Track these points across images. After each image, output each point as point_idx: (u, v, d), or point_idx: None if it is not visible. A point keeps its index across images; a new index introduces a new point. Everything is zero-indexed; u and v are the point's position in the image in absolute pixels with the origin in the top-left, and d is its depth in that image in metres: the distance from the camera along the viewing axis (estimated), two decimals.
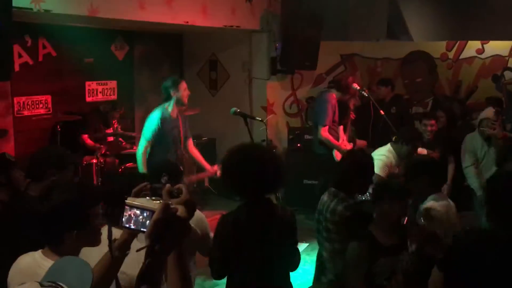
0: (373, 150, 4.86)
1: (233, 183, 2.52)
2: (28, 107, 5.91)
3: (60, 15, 4.54)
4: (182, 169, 3.23)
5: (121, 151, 6.24)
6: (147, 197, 1.42)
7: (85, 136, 5.93)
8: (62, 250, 1.90)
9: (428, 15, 9.00)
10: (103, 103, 6.52)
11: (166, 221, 1.24)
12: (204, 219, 2.85)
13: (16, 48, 5.67)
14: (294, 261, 2.73)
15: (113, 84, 6.86)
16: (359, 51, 7.51)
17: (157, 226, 1.23)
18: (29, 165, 2.88)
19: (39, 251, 1.96)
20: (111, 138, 6.21)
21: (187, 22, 5.64)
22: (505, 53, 7.18)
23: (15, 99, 5.77)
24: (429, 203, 3.29)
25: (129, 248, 1.74)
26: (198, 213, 2.65)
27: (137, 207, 1.34)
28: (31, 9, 4.20)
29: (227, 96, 7.26)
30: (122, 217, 1.35)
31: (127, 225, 1.34)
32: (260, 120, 4.62)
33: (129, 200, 1.35)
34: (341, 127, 5.78)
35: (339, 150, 5.42)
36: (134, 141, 6.81)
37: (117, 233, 1.69)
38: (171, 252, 1.29)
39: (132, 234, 1.69)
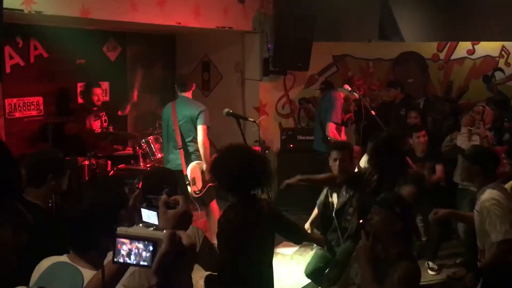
0: (364, 150, 4.90)
1: (221, 180, 2.81)
2: (20, 108, 5.88)
3: (52, 16, 4.53)
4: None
5: (113, 153, 6.22)
6: (140, 224, 1.31)
7: (68, 127, 5.82)
8: (89, 256, 1.83)
9: (419, 16, 9.06)
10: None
11: (174, 252, 1.12)
12: (199, 232, 2.72)
13: (7, 50, 5.64)
14: (296, 238, 3.16)
15: (105, 85, 6.84)
16: (351, 52, 7.54)
17: (165, 259, 1.11)
18: (27, 170, 2.81)
19: (65, 256, 1.89)
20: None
21: (180, 23, 5.64)
22: (496, 53, 7.25)
23: (6, 101, 5.74)
24: (491, 192, 3.30)
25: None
26: (192, 227, 2.66)
27: (135, 238, 1.15)
28: (22, 10, 4.18)
29: (220, 97, 7.26)
30: (115, 252, 1.16)
31: (122, 260, 1.15)
32: (253, 121, 4.63)
33: (120, 231, 1.18)
34: (344, 128, 5.83)
35: None
36: (127, 143, 6.81)
37: None
38: (180, 285, 1.22)
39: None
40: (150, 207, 1.52)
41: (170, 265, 1.11)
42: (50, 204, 5.34)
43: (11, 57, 5.71)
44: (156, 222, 1.50)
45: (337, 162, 3.86)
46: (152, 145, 6.04)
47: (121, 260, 1.15)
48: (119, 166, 5.91)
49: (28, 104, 5.98)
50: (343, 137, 5.68)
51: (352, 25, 8.00)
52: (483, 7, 8.59)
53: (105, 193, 1.96)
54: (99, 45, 6.73)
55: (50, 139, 5.41)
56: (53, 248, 2.07)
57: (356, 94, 5.87)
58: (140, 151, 6.03)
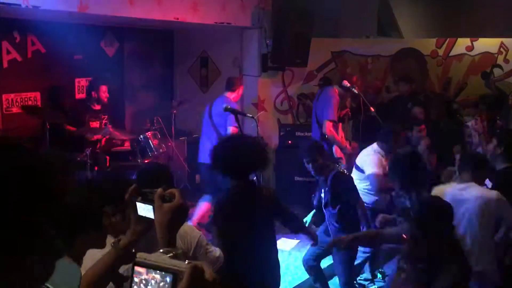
0: (365, 147, 4.90)
1: (221, 165, 2.97)
2: (17, 104, 5.86)
3: (49, 11, 4.50)
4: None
5: (112, 148, 6.20)
6: (160, 251, 1.24)
7: (68, 126, 5.81)
8: (71, 253, 1.79)
9: (418, 12, 9.05)
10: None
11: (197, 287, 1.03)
12: (194, 233, 2.62)
13: (5, 45, 5.62)
14: (293, 225, 3.25)
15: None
16: (349, 48, 7.53)
17: None
18: None
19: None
20: (98, 136, 6.13)
21: (177, 18, 5.61)
22: (494, 50, 7.23)
23: (4, 96, 5.72)
24: None
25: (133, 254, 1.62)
26: (190, 227, 2.68)
27: (154, 267, 1.06)
28: (20, 5, 4.15)
29: (218, 92, 7.18)
30: (131, 280, 1.09)
31: None
32: (251, 117, 4.63)
33: (140, 258, 1.10)
34: (340, 124, 5.82)
35: (340, 147, 5.45)
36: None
37: None
38: None
39: (139, 234, 1.57)
40: (145, 200, 1.48)
41: None
42: None
43: (8, 52, 5.69)
44: (152, 216, 1.47)
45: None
46: (150, 141, 6.03)
47: None
48: (117, 162, 5.89)
49: (26, 99, 5.95)
50: (341, 133, 5.68)
51: (351, 21, 7.98)
52: (482, 3, 8.58)
53: (88, 188, 1.95)
54: (96, 41, 6.71)
55: (47, 134, 5.39)
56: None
57: (355, 91, 5.86)
58: (138, 147, 6.01)
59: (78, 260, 1.79)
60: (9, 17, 5.16)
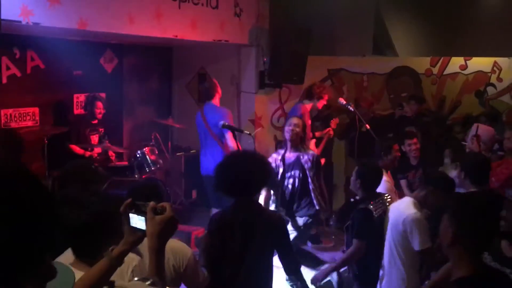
0: (358, 164, 4.93)
1: (223, 182, 2.82)
2: (16, 119, 5.89)
3: (49, 28, 4.56)
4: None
5: (109, 164, 6.22)
6: (136, 278, 1.34)
7: (73, 146, 5.90)
8: (95, 262, 1.78)
9: (413, 31, 9.19)
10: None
11: (173, 220, 1.22)
12: (185, 250, 2.61)
13: (4, 60, 5.67)
14: (288, 264, 2.88)
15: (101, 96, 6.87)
16: (345, 66, 7.62)
17: (167, 225, 1.21)
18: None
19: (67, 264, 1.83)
20: (98, 150, 6.18)
21: (176, 36, 5.69)
22: (488, 69, 7.34)
23: (2, 111, 5.75)
24: None
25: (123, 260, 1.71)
26: (182, 245, 2.64)
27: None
28: (20, 21, 4.21)
29: None
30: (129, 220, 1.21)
31: (134, 226, 1.23)
32: (248, 134, 4.67)
33: (118, 286, 1.23)
34: (313, 141, 5.86)
35: None
36: (122, 154, 6.82)
37: None
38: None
39: (132, 244, 1.66)
40: (138, 212, 1.58)
41: (169, 232, 1.19)
42: None
43: (8, 68, 5.74)
44: (144, 227, 1.57)
45: None
46: (147, 156, 6.06)
47: (134, 226, 1.17)
48: (115, 177, 5.91)
49: (24, 114, 5.99)
50: (313, 149, 5.67)
51: (347, 40, 8.10)
52: (476, 23, 8.72)
53: (109, 199, 1.98)
54: (96, 57, 6.77)
55: (46, 150, 5.42)
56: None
57: (351, 108, 5.93)
58: (136, 162, 6.04)
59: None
60: (9, 33, 5.22)
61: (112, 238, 1.84)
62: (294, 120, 4.71)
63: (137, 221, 1.59)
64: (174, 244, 2.50)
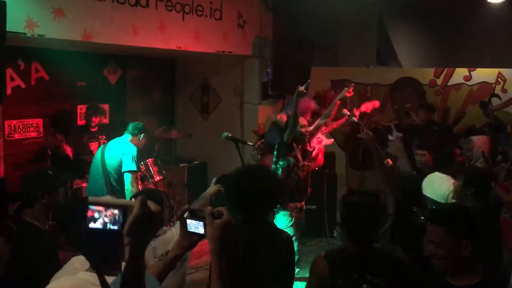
0: (364, 174, 4.89)
1: (231, 200, 2.66)
2: (19, 130, 5.90)
3: (54, 39, 4.59)
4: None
5: None
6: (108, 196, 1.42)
7: (65, 146, 5.83)
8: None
9: (416, 42, 9.20)
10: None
11: (144, 216, 1.27)
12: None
13: (9, 72, 5.68)
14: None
15: (105, 107, 6.88)
16: (349, 76, 7.62)
17: (137, 222, 1.25)
18: (18, 188, 2.86)
19: (84, 272, 1.83)
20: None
21: (180, 47, 5.71)
22: (492, 80, 7.33)
23: (6, 122, 5.76)
24: None
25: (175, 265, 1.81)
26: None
27: (107, 205, 1.27)
28: (25, 33, 4.24)
29: (219, 120, 7.30)
30: (86, 218, 1.26)
31: (93, 226, 1.25)
32: (251, 145, 4.65)
33: (91, 199, 1.28)
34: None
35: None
36: None
37: None
38: (147, 245, 1.34)
39: (186, 248, 1.75)
40: (195, 217, 1.67)
41: (140, 227, 1.25)
42: (48, 226, 5.34)
43: (12, 79, 5.76)
44: (202, 232, 1.67)
45: None
46: (150, 168, 6.04)
47: (91, 226, 1.25)
48: None
49: (28, 126, 6.00)
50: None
51: (351, 51, 8.11)
52: (480, 34, 8.73)
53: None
54: (100, 68, 6.80)
55: (49, 161, 5.41)
56: (43, 265, 2.06)
57: (354, 119, 5.91)
58: (139, 173, 6.02)
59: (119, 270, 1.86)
60: (14, 44, 5.25)
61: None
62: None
63: (195, 226, 1.68)
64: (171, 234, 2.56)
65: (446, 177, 4.12)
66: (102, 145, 5.29)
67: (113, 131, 6.56)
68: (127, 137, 5.15)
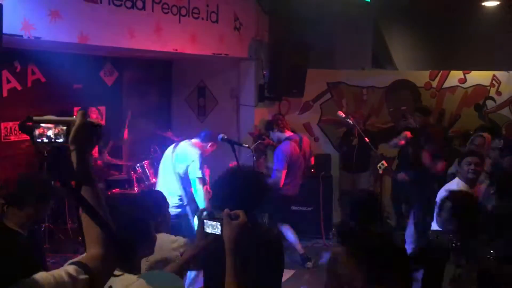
0: (357, 176, 4.88)
1: (218, 199, 2.65)
2: (16, 132, 5.90)
3: (50, 42, 4.59)
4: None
5: (108, 177, 6.22)
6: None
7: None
8: (130, 265, 1.86)
9: (412, 45, 9.25)
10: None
11: (86, 126, 1.44)
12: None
13: (5, 74, 5.69)
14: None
15: (101, 110, 6.89)
16: (345, 79, 7.66)
17: (80, 131, 1.42)
18: (11, 190, 2.80)
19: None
20: (99, 162, 6.16)
21: (176, 49, 5.72)
22: (487, 82, 7.38)
23: (2, 124, 5.76)
24: None
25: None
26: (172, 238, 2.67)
27: (51, 122, 1.43)
28: (22, 36, 4.25)
29: (215, 122, 7.32)
30: (34, 136, 1.42)
31: (41, 141, 1.41)
32: (247, 147, 4.67)
33: (36, 118, 1.44)
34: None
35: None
36: (121, 167, 6.81)
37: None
38: (90, 151, 1.52)
39: (202, 248, 1.85)
40: (212, 219, 1.77)
41: (82, 134, 1.43)
42: (42, 229, 5.34)
43: (8, 81, 5.77)
44: (218, 232, 1.75)
45: None
46: (146, 170, 6.06)
47: (39, 140, 1.41)
48: (114, 190, 5.91)
49: None
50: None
51: (346, 53, 8.15)
52: (474, 37, 8.79)
53: (138, 205, 2.02)
54: (96, 70, 6.81)
55: (45, 163, 5.40)
56: (23, 273, 2.05)
57: (350, 121, 5.95)
58: (135, 175, 6.03)
59: (139, 268, 1.95)
60: (10, 47, 5.25)
61: (144, 245, 1.89)
62: None
63: (213, 227, 1.77)
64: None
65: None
66: (173, 145, 5.26)
67: (109, 132, 6.58)
68: (196, 142, 5.12)
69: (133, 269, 1.89)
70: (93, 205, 1.44)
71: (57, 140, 1.43)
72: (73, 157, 1.45)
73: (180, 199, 4.93)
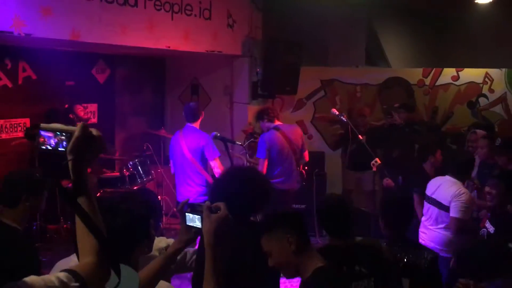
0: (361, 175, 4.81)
1: (219, 199, 2.55)
2: (7, 130, 5.85)
3: (41, 39, 4.55)
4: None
5: (100, 175, 6.18)
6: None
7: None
8: (128, 264, 1.82)
9: (405, 43, 9.26)
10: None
11: (85, 138, 1.43)
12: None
13: None
14: None
15: (93, 107, 6.84)
16: (338, 76, 7.65)
17: (78, 142, 1.41)
18: (2, 188, 2.79)
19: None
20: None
21: (169, 47, 5.69)
22: (479, 80, 7.40)
23: None
24: None
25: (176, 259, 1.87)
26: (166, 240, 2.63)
27: (56, 130, 1.45)
28: (12, 32, 4.20)
29: (209, 119, 7.25)
30: (39, 142, 1.43)
31: (44, 147, 1.43)
32: (240, 144, 4.66)
33: (43, 126, 1.44)
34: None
35: None
36: (114, 164, 6.77)
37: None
38: (90, 165, 1.50)
39: (186, 242, 1.80)
40: (194, 212, 1.75)
41: (81, 146, 1.42)
42: (34, 227, 5.30)
43: None
44: (199, 226, 1.73)
45: None
46: (139, 168, 6.02)
47: (43, 147, 1.43)
48: (106, 188, 5.87)
49: (15, 125, 5.95)
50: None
51: (340, 51, 8.14)
52: (467, 35, 8.81)
53: (138, 203, 1.98)
54: (88, 67, 6.76)
55: (37, 161, 5.35)
56: (23, 270, 2.03)
57: (343, 118, 5.93)
58: (127, 173, 6.00)
59: (136, 267, 1.90)
60: (1, 43, 5.20)
61: (143, 243, 1.87)
62: None
63: (193, 220, 1.76)
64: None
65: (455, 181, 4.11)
66: (177, 133, 5.21)
67: (101, 130, 6.53)
68: (195, 125, 5.08)
69: (132, 268, 1.86)
70: (88, 214, 1.42)
71: (58, 149, 1.45)
72: (70, 167, 1.44)
73: (204, 185, 4.90)
